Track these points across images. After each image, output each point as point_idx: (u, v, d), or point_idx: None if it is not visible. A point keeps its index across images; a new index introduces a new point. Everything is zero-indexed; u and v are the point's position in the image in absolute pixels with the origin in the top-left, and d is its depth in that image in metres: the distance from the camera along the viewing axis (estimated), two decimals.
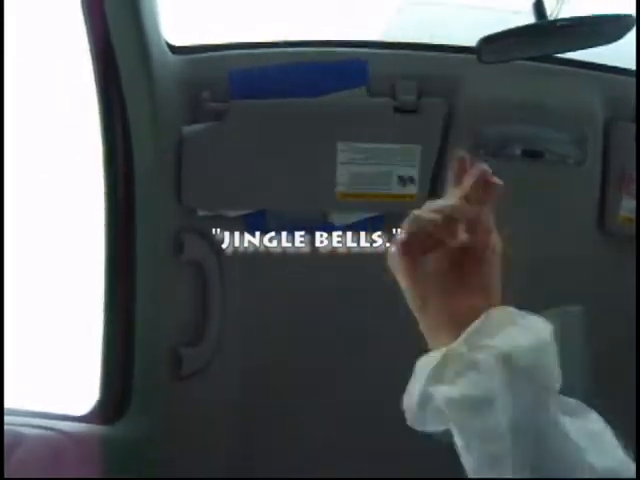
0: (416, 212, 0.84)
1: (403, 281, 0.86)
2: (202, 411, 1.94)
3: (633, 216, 1.84)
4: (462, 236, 0.83)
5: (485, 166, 0.86)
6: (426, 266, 0.85)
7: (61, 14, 1.90)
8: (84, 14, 1.58)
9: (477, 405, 0.77)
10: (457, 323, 0.82)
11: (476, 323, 0.81)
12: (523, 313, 0.82)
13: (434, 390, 0.79)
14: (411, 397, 0.81)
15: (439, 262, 0.85)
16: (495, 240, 0.86)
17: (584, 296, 1.86)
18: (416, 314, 0.86)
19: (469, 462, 0.78)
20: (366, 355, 1.93)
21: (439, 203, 0.86)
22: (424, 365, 0.81)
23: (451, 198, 0.86)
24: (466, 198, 0.85)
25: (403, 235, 0.85)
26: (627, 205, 1.85)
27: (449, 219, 0.83)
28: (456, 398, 0.78)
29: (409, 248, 0.84)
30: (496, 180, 0.86)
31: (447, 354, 0.80)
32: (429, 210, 0.84)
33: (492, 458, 0.77)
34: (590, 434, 0.78)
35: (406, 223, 0.84)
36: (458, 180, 0.88)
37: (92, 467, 1.75)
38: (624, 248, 1.84)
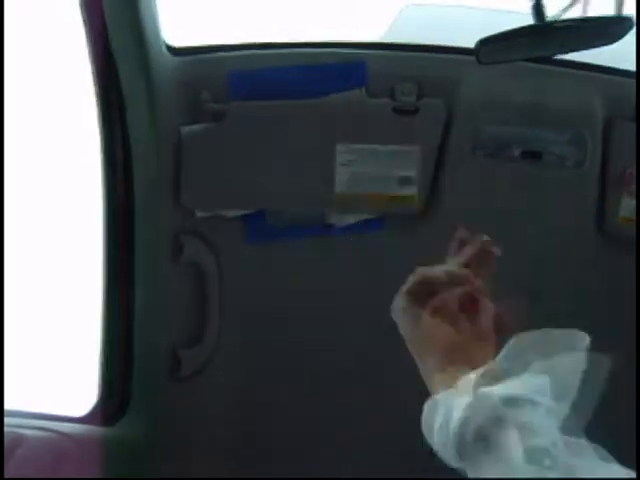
0: (422, 269, 0.94)
1: (405, 330, 0.93)
2: (201, 412, 1.94)
3: (633, 216, 1.83)
4: (459, 292, 0.91)
5: (486, 237, 0.96)
6: (426, 318, 0.92)
7: (61, 14, 1.91)
8: (83, 14, 1.58)
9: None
10: (455, 371, 0.87)
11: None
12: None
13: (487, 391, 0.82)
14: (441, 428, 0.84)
15: (438, 315, 0.91)
16: (488, 304, 0.93)
17: (584, 296, 1.86)
18: (417, 360, 0.92)
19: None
20: (366, 355, 1.93)
21: (443, 268, 0.95)
22: (446, 397, 0.84)
23: (453, 265, 0.96)
24: (466, 265, 0.95)
25: (407, 287, 0.93)
26: (627, 205, 1.85)
27: (451, 280, 0.92)
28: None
29: (413, 299, 0.92)
30: (495, 250, 0.96)
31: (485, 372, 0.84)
32: (435, 270, 0.94)
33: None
34: None
35: (412, 277, 0.93)
36: (459, 250, 0.98)
37: (92, 468, 1.75)
38: (624, 248, 1.83)
